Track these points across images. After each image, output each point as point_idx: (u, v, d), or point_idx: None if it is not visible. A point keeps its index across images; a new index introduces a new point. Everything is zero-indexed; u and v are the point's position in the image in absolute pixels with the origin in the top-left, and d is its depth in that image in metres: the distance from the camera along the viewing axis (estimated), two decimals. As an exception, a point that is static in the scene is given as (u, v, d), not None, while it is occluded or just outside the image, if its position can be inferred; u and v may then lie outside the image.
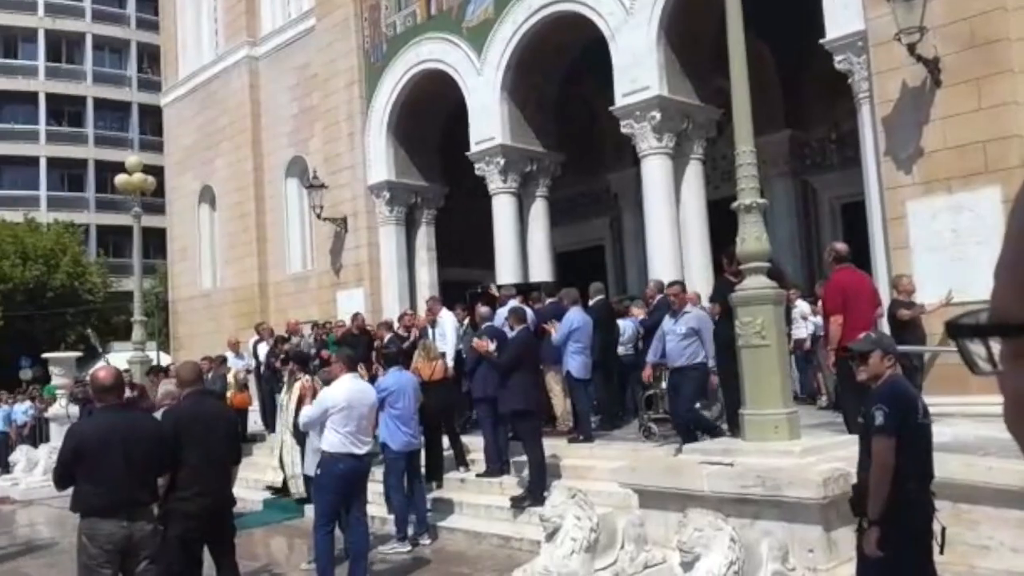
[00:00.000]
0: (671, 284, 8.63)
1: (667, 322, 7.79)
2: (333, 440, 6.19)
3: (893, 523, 3.77)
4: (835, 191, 14.51)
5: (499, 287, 11.67)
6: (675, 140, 11.86)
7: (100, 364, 8.59)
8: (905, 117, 8.83)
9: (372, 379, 8.60)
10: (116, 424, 4.70)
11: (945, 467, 5.52)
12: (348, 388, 6.36)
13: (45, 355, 15.69)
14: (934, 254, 8.48)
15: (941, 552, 3.92)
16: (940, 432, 6.59)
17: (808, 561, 5.34)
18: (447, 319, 10.87)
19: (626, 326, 10.57)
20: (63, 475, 4.72)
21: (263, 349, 13.38)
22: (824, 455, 5.84)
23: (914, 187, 8.77)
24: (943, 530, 3.90)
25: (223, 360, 13.38)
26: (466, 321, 11.39)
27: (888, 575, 3.84)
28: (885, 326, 7.56)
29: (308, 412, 6.63)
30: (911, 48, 8.40)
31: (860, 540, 3.93)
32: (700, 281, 11.14)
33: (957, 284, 7.96)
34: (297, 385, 8.97)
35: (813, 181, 14.97)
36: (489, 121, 13.86)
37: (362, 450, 6.25)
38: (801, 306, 10.93)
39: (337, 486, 6.23)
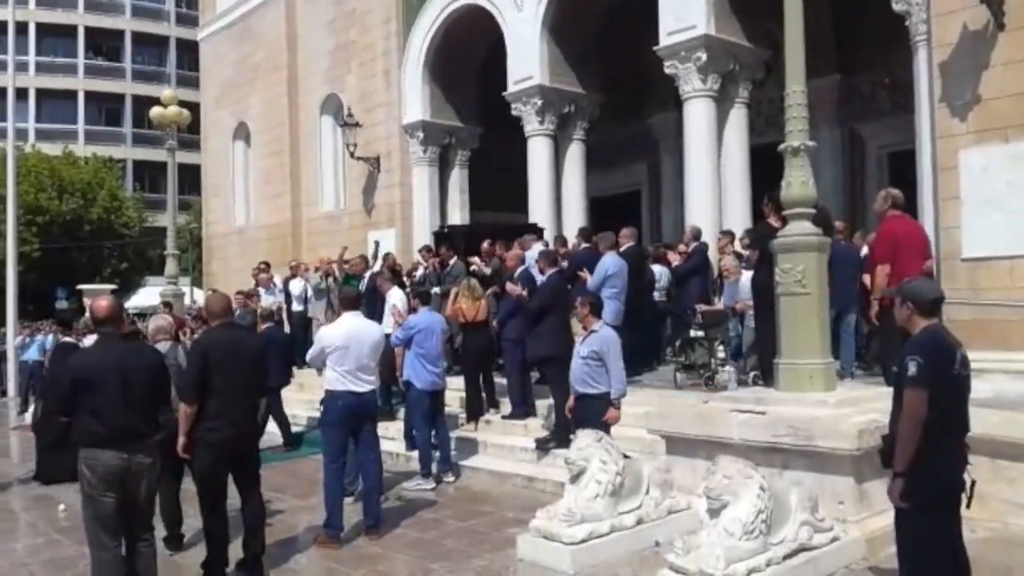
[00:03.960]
0: (585, 301, 6.90)
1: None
2: (331, 377, 6.23)
3: (922, 475, 3.70)
4: (883, 139, 14.02)
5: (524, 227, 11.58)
6: (720, 83, 11.51)
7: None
8: (963, 62, 8.40)
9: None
10: (114, 355, 4.60)
11: (985, 422, 5.36)
12: (346, 327, 6.33)
13: (80, 287, 15.83)
14: (986, 206, 8.13)
15: (968, 506, 3.84)
16: (980, 388, 6.40)
17: (838, 512, 5.25)
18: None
19: (661, 272, 10.39)
20: (61, 405, 4.72)
21: (296, 286, 13.46)
22: (860, 407, 5.69)
23: (968, 136, 8.38)
24: (972, 484, 3.80)
25: (254, 295, 13.43)
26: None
27: (915, 527, 3.78)
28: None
29: (310, 351, 6.62)
30: (974, -12, 7.95)
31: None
32: (739, 229, 10.88)
33: (1009, 237, 7.66)
34: None
35: (861, 128, 14.46)
36: (528, 60, 13.54)
37: (361, 387, 6.24)
38: None
39: (339, 422, 6.25)
